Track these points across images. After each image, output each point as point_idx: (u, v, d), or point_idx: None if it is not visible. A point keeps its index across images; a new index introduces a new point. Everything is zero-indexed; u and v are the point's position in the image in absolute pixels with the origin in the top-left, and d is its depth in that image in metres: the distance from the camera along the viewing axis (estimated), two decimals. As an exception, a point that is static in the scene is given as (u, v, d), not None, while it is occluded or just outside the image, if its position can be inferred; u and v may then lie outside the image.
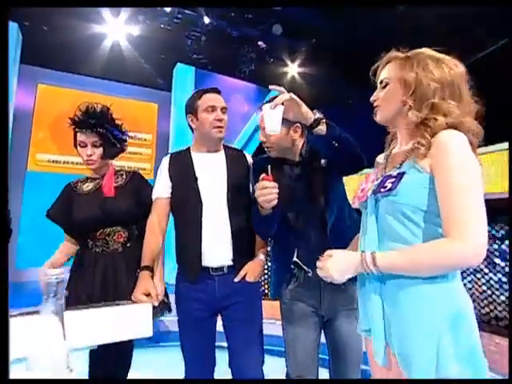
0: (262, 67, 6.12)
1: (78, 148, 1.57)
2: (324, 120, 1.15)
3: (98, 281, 1.47)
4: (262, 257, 1.49)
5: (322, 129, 1.15)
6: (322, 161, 1.38)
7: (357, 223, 1.09)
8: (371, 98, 1.04)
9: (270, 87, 1.15)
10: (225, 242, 1.42)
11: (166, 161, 1.54)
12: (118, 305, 1.07)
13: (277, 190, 1.20)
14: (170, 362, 2.10)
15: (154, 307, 1.51)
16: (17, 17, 4.60)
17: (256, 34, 5.71)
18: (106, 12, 4.88)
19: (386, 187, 0.92)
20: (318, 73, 6.32)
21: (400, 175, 0.91)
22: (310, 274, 1.35)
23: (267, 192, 1.19)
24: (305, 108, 1.14)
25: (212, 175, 1.47)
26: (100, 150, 1.55)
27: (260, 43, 5.86)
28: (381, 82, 1.01)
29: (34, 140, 4.99)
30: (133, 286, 1.36)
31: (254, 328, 1.44)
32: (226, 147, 1.58)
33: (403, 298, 0.87)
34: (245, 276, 1.42)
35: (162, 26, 5.30)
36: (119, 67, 5.40)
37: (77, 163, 5.45)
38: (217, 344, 1.47)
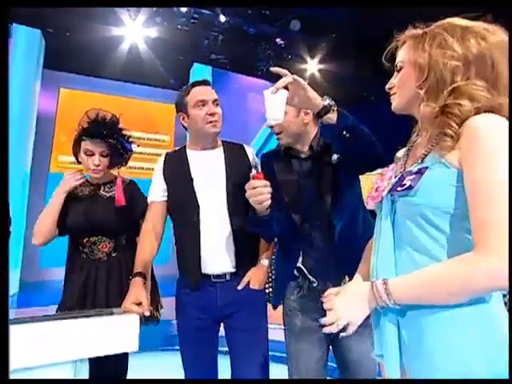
0: (281, 65, 5.97)
1: (82, 155, 1.53)
2: (335, 107, 1.01)
3: (78, 287, 1.45)
4: (265, 262, 1.38)
5: (331, 117, 1.01)
6: (334, 156, 1.22)
7: (372, 230, 0.94)
8: (387, 86, 0.90)
9: (272, 69, 1.01)
10: (226, 248, 1.31)
11: (160, 161, 1.45)
12: (100, 315, 0.98)
13: (269, 190, 1.09)
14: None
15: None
16: (40, 23, 4.75)
17: (273, 31, 5.59)
18: (124, 15, 4.93)
19: (403, 185, 0.77)
20: (339, 69, 6.09)
21: (421, 171, 0.75)
22: (314, 285, 1.22)
23: (257, 192, 1.08)
24: (312, 93, 1.00)
25: (209, 174, 1.36)
26: (107, 160, 1.53)
27: (278, 40, 5.74)
28: (396, 67, 0.88)
29: (56, 142, 5.16)
30: (114, 296, 1.34)
31: (259, 339, 1.33)
32: (224, 142, 1.46)
33: (426, 323, 0.72)
34: (248, 283, 1.32)
35: (179, 26, 5.30)
36: (138, 69, 5.45)
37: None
38: (220, 349, 1.39)
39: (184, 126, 1.43)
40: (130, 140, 1.62)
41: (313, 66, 6.27)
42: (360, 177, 1.33)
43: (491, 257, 0.63)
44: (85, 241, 1.51)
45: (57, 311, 1.47)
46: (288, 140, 1.28)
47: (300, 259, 1.25)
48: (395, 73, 0.89)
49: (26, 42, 4.64)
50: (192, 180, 1.34)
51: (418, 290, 0.71)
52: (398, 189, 0.78)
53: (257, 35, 5.55)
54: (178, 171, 1.38)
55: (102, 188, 1.60)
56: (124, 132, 1.59)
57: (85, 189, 1.60)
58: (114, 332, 0.96)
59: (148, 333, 1.61)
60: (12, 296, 4.39)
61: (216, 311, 1.32)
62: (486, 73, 0.75)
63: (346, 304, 0.81)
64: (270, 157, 1.36)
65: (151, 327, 1.52)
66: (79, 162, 1.60)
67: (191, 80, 5.62)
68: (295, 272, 1.26)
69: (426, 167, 0.76)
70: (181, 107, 1.39)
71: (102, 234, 1.51)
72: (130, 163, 1.70)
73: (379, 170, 1.13)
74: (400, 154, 0.98)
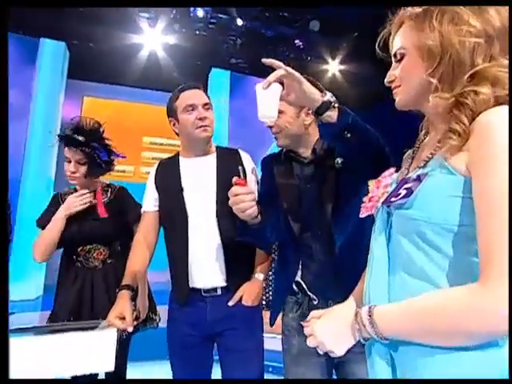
0: (301, 66, 5.86)
1: (65, 161, 1.52)
2: (335, 104, 0.89)
3: (74, 297, 1.42)
4: (260, 276, 1.27)
5: (331, 115, 0.89)
6: (338, 160, 1.09)
7: None
8: (386, 79, 0.75)
9: (263, 61, 0.90)
10: (216, 261, 1.23)
11: (153, 170, 1.39)
12: (72, 330, 0.91)
13: (252, 197, 0.99)
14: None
15: (142, 321, 1.42)
16: (65, 36, 4.95)
17: (292, 33, 5.49)
18: (143, 23, 5.04)
19: (397, 195, 0.64)
20: (361, 69, 5.87)
21: (420, 178, 0.62)
22: (315, 302, 1.10)
23: (239, 200, 0.98)
24: (308, 87, 0.88)
25: (200, 183, 1.28)
26: (84, 169, 1.49)
27: (297, 41, 5.62)
28: (395, 56, 0.72)
29: (80, 149, 5.34)
30: (110, 305, 1.23)
31: (252, 360, 1.22)
32: (218, 148, 1.38)
33: (422, 364, 0.59)
34: (241, 299, 1.22)
35: (197, 32, 5.34)
36: (157, 76, 5.54)
37: (123, 171, 5.70)
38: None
39: (176, 133, 1.37)
40: (110, 149, 1.57)
41: (334, 66, 6.09)
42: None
43: (502, 289, 0.49)
44: (79, 250, 1.48)
45: (47, 322, 1.45)
46: (286, 141, 1.17)
47: (299, 273, 1.13)
48: (394, 63, 0.73)
49: (51, 54, 4.85)
50: (182, 189, 1.27)
51: (407, 324, 0.58)
52: (392, 199, 0.65)
53: (275, 37, 5.47)
54: (168, 180, 1.31)
55: (93, 196, 1.56)
56: (105, 141, 1.55)
57: None
58: (88, 349, 0.89)
59: (154, 341, 1.56)
60: (36, 299, 4.54)
61: (206, 328, 1.23)
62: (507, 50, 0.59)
63: (327, 330, 0.70)
64: (271, 160, 1.25)
65: (158, 336, 1.47)
66: None
67: (210, 85, 5.64)
68: (294, 287, 1.15)
69: (426, 173, 0.61)
70: (171, 113, 1.33)
71: (95, 241, 1.49)
72: (148, 169, 1.67)
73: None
74: (407, 155, 0.82)
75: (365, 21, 5.08)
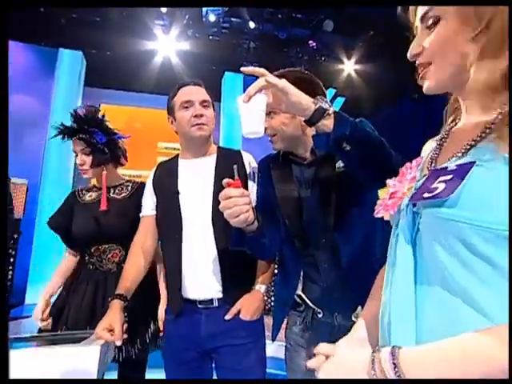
0: (315, 67, 5.78)
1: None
2: (330, 111, 0.78)
3: (86, 302, 1.35)
4: (262, 288, 1.17)
5: (326, 124, 0.78)
6: (339, 164, 0.99)
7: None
8: (411, 52, 0.59)
9: (242, 69, 0.81)
10: (212, 270, 1.14)
11: (152, 173, 1.33)
12: (61, 342, 0.88)
13: (246, 200, 0.87)
14: None
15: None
16: (82, 45, 5.07)
17: (306, 34, 5.42)
18: (157, 29, 5.09)
19: (432, 191, 0.51)
20: (378, 68, 5.74)
21: (463, 169, 0.49)
22: (320, 316, 1.01)
23: (231, 203, 0.85)
24: (296, 95, 0.78)
25: (196, 186, 1.20)
26: (90, 158, 1.44)
27: (311, 42, 5.55)
28: (423, 20, 0.57)
29: (97, 156, 5.44)
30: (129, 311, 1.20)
31: (253, 376, 1.12)
32: (219, 149, 1.30)
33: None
34: (239, 313, 1.13)
35: (210, 37, 5.35)
36: (172, 82, 5.58)
37: (139, 176, 5.76)
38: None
39: (176, 132, 1.30)
40: (108, 131, 1.48)
41: (349, 66, 5.97)
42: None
43: None
44: (93, 250, 1.41)
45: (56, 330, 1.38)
46: (283, 145, 1.07)
47: (300, 286, 1.05)
48: (421, 31, 0.58)
49: (69, 63, 4.97)
50: (178, 193, 1.20)
51: (438, 372, 0.46)
52: (425, 195, 0.51)
53: (288, 39, 5.42)
54: (166, 182, 1.25)
55: (112, 191, 1.50)
56: (103, 124, 1.46)
57: (91, 194, 1.52)
58: (70, 365, 0.85)
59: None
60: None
61: (201, 343, 1.13)
62: None
63: (337, 372, 0.57)
64: (268, 162, 1.16)
65: None
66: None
67: (223, 89, 5.64)
68: (297, 299, 1.06)
69: (471, 163, 0.48)
70: (169, 110, 1.27)
71: (112, 240, 1.41)
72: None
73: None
74: (429, 145, 0.68)
75: (379, 19, 4.97)
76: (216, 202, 1.12)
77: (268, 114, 0.97)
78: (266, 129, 1.03)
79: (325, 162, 1.04)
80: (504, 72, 0.50)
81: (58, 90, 4.83)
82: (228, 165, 1.23)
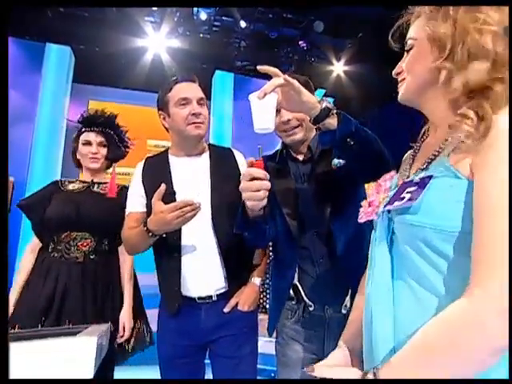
0: (305, 67, 5.83)
1: (80, 148, 1.54)
2: (334, 111, 0.87)
3: (45, 292, 1.31)
4: (257, 280, 1.23)
5: (331, 122, 0.87)
6: (335, 161, 1.08)
7: None
8: (394, 71, 0.74)
9: (259, 68, 0.89)
10: (211, 267, 1.18)
11: (139, 168, 1.30)
12: (50, 336, 0.88)
13: (268, 184, 0.89)
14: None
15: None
16: (70, 40, 4.99)
17: (296, 34, 5.46)
18: (147, 26, 5.05)
19: (402, 199, 0.61)
20: (367, 69, 5.83)
21: (423, 182, 0.59)
22: (311, 309, 1.07)
23: (256, 186, 0.87)
24: (307, 96, 0.87)
25: (192, 186, 1.22)
26: (105, 151, 1.54)
27: (301, 43, 5.60)
28: (405, 46, 0.71)
29: (85, 153, 5.37)
30: (80, 305, 1.24)
31: (246, 367, 1.18)
32: (211, 147, 1.32)
33: None
34: (236, 305, 1.19)
35: (201, 35, 5.34)
36: (161, 79, 5.55)
37: (128, 174, 5.71)
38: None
39: (166, 128, 1.29)
40: (127, 136, 1.64)
41: (339, 67, 6.04)
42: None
43: (495, 287, 0.48)
44: (63, 236, 1.39)
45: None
46: (304, 134, 1.15)
47: (296, 276, 1.10)
48: (405, 54, 0.72)
49: (56, 58, 4.88)
50: (174, 193, 1.20)
51: (418, 369, 0.53)
52: (395, 204, 0.62)
53: (279, 39, 5.45)
54: (158, 181, 1.22)
55: (96, 186, 1.55)
56: (121, 127, 1.61)
57: (75, 185, 1.55)
58: (65, 357, 0.85)
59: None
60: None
61: (201, 336, 1.18)
62: None
63: None
64: (265, 160, 1.20)
65: None
66: (74, 162, 1.60)
67: (214, 88, 5.63)
68: (291, 292, 1.11)
69: (430, 176, 0.59)
70: (162, 105, 1.25)
71: (87, 229, 1.40)
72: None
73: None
74: (407, 157, 0.80)
75: (369, 21, 5.05)
76: (214, 200, 1.17)
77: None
78: (288, 120, 1.13)
79: (320, 158, 1.13)
80: (468, 86, 0.58)
81: (45, 85, 4.75)
82: (222, 163, 1.27)
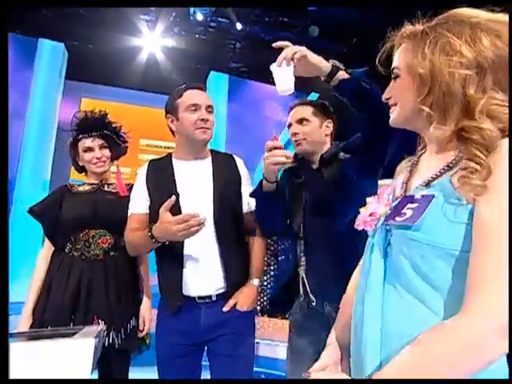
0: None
1: (82, 155, 1.53)
2: (342, 67, 1.04)
3: (70, 290, 1.33)
4: (255, 281, 1.28)
5: (344, 74, 1.03)
6: (341, 155, 1.27)
7: None
8: (384, 95, 0.76)
9: (274, 45, 1.07)
10: (212, 267, 1.22)
11: (143, 170, 1.35)
12: (51, 337, 0.87)
13: (288, 151, 1.11)
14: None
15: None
16: (64, 36, 4.94)
17: (291, 38, 5.50)
18: (143, 25, 5.04)
19: (402, 215, 0.63)
20: (360, 75, 5.92)
21: (426, 200, 0.61)
22: (313, 304, 1.17)
23: (281, 153, 1.09)
24: (316, 58, 1.04)
25: (196, 189, 1.27)
26: (107, 152, 1.54)
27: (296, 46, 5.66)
28: (392, 72, 0.73)
29: (76, 151, 5.32)
30: (105, 301, 1.27)
31: (243, 365, 1.22)
32: (213, 152, 1.37)
33: None
34: (235, 305, 1.23)
35: (196, 36, 5.34)
36: (156, 79, 5.53)
37: (122, 173, 5.67)
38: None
39: (172, 131, 1.34)
40: (122, 130, 1.62)
41: (333, 72, 6.13)
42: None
43: (475, 318, 0.50)
44: (81, 235, 1.41)
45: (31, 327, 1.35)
46: (307, 147, 1.33)
47: (303, 270, 1.23)
48: (392, 80, 0.74)
49: (49, 54, 4.83)
50: (178, 195, 1.24)
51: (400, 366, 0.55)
52: (397, 219, 0.64)
53: (274, 42, 5.47)
54: (162, 184, 1.28)
55: (106, 186, 1.57)
56: (115, 124, 1.60)
57: (86, 186, 1.56)
58: (63, 358, 0.85)
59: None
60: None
61: (200, 335, 1.21)
62: (503, 80, 0.59)
63: None
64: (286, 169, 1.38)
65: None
66: (77, 168, 1.60)
67: (208, 89, 5.64)
68: (301, 288, 1.23)
69: (433, 196, 0.60)
70: (171, 109, 1.31)
71: (105, 226, 1.43)
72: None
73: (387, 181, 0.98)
74: (404, 164, 0.82)
75: (364, 26, 5.12)
76: (216, 203, 1.22)
77: (300, 122, 1.32)
78: (295, 133, 1.34)
79: (329, 164, 1.29)
80: (457, 132, 0.60)
81: (37, 81, 4.69)
82: (224, 168, 1.33)
